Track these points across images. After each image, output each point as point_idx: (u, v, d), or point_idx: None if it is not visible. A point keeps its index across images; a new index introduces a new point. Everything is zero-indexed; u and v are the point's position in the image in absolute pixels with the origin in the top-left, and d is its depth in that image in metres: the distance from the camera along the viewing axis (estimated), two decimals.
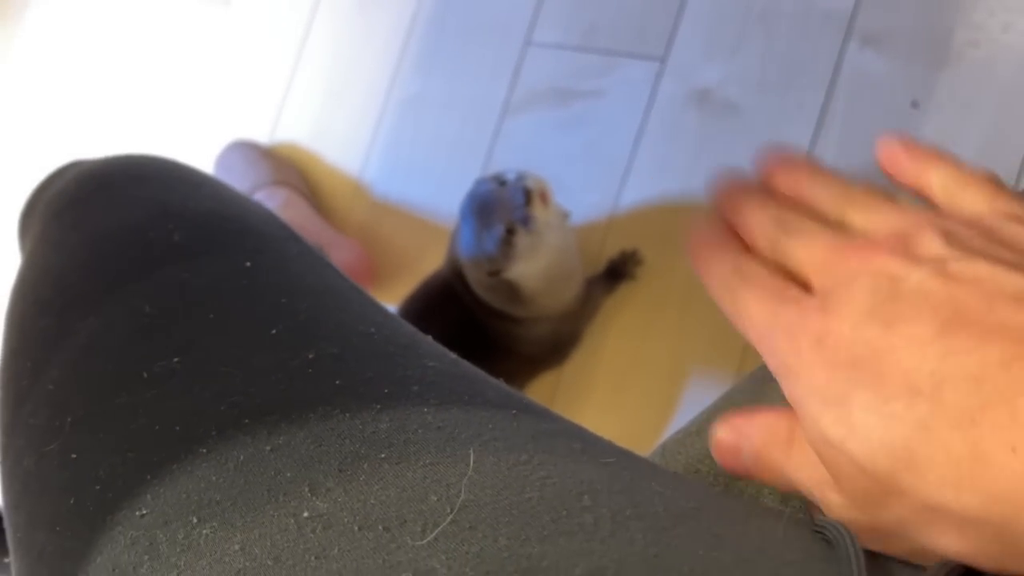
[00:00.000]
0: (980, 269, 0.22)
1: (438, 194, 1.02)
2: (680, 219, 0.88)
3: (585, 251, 0.88)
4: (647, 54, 0.93)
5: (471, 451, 0.24)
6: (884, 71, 0.81)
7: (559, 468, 0.24)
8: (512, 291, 0.76)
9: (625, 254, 0.88)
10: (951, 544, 0.21)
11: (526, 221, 0.72)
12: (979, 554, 0.21)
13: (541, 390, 0.90)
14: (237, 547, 0.23)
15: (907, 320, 0.22)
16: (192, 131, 1.22)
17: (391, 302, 0.89)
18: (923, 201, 0.27)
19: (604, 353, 0.88)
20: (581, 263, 0.83)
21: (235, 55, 1.22)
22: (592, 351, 0.89)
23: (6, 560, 0.29)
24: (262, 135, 1.16)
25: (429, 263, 0.88)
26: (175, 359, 0.28)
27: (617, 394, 0.87)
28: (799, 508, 0.30)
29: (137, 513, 0.25)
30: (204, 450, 0.25)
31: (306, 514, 0.23)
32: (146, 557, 0.23)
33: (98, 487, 0.26)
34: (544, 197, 0.74)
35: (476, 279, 0.77)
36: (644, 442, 0.81)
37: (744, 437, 0.26)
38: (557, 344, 0.88)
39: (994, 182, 0.26)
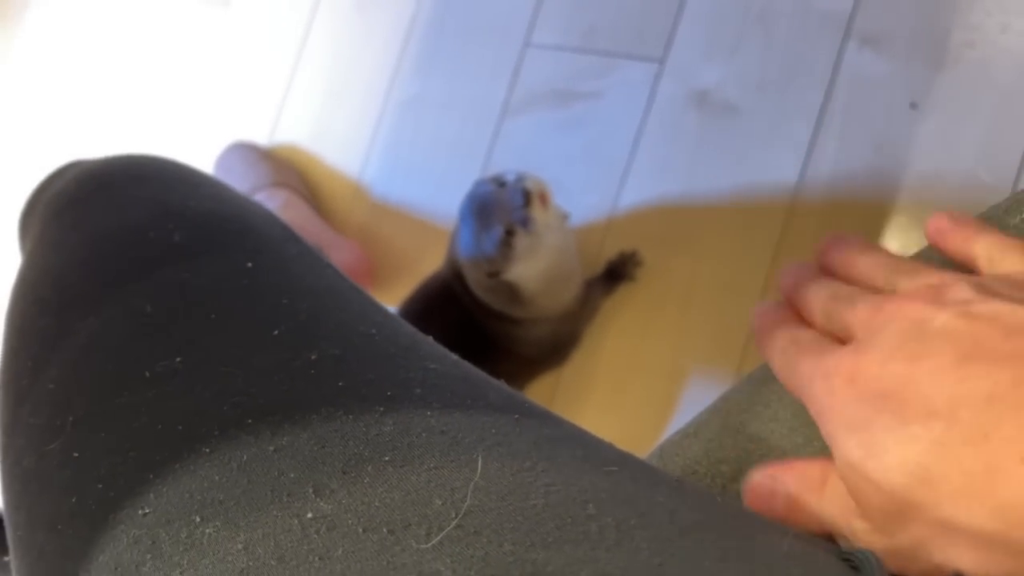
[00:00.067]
0: (1000, 307, 0.23)
1: (437, 195, 1.02)
2: (680, 220, 0.88)
3: (584, 252, 0.88)
4: (646, 55, 0.93)
5: (479, 457, 0.24)
6: (883, 72, 0.81)
7: (563, 476, 0.25)
8: (511, 292, 0.76)
9: (624, 255, 0.88)
10: (966, 561, 0.22)
11: (525, 222, 0.72)
12: (994, 570, 0.21)
13: (541, 391, 0.90)
14: (240, 546, 0.22)
15: (930, 355, 0.23)
16: (192, 132, 1.22)
17: (391, 303, 0.89)
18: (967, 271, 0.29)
19: (603, 354, 0.88)
20: (580, 264, 0.83)
21: (235, 56, 1.22)
22: (591, 352, 0.89)
23: (6, 559, 0.29)
24: (262, 136, 1.16)
25: (428, 264, 0.88)
26: (176, 359, 0.28)
27: (616, 395, 0.87)
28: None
29: (139, 512, 0.24)
30: (207, 449, 0.25)
31: (310, 515, 0.23)
32: (148, 556, 0.23)
33: (100, 486, 0.26)
34: (544, 198, 0.74)
35: (475, 280, 0.77)
36: (643, 443, 0.81)
37: (778, 482, 0.28)
38: (556, 345, 0.88)
39: None
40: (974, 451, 0.21)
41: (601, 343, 0.89)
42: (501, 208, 0.72)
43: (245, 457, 0.25)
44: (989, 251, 0.28)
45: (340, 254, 0.97)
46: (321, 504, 0.23)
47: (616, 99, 0.93)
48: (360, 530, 0.22)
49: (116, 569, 0.24)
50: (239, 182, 1.05)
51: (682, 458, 0.34)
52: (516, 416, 0.28)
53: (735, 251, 0.84)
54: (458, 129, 1.03)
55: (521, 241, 0.72)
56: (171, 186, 0.38)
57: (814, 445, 0.31)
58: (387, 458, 0.24)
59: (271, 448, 0.25)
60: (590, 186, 0.92)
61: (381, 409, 0.26)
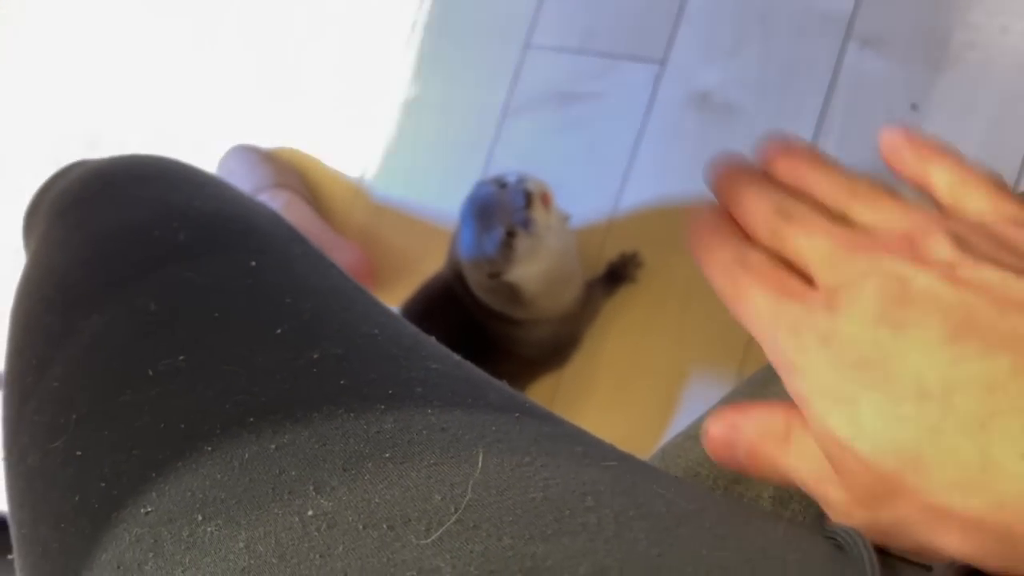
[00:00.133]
0: (989, 275, 0.22)
1: (438, 197, 1.02)
2: (680, 221, 0.88)
3: (585, 253, 0.88)
4: (647, 56, 0.93)
5: (479, 452, 0.25)
6: (883, 73, 0.81)
7: (562, 470, 0.25)
8: (512, 293, 0.77)
9: (625, 256, 0.88)
10: (954, 545, 0.21)
11: (526, 224, 0.72)
12: (981, 556, 0.21)
13: (541, 392, 0.90)
14: (242, 545, 0.23)
15: (916, 324, 0.22)
16: (192, 134, 1.22)
17: (392, 304, 0.89)
18: (926, 197, 0.27)
19: (604, 355, 0.89)
20: (581, 265, 0.83)
21: (235, 56, 1.22)
22: (592, 353, 0.89)
23: (9, 557, 0.29)
24: (263, 138, 1.16)
25: (429, 266, 0.88)
26: (179, 357, 0.28)
27: (617, 396, 0.87)
28: (798, 512, 0.31)
29: (142, 511, 0.25)
30: (209, 448, 0.25)
31: (311, 512, 0.23)
32: (151, 554, 0.23)
33: (103, 484, 0.26)
34: (545, 200, 0.74)
35: (476, 281, 0.78)
36: (645, 444, 0.82)
37: (738, 431, 0.26)
38: (557, 346, 0.88)
39: (997, 183, 0.26)
40: (970, 441, 0.20)
41: (602, 344, 0.89)
42: (502, 209, 0.73)
43: (247, 455, 0.25)
44: (951, 182, 0.26)
45: (341, 255, 0.97)
46: (322, 501, 0.23)
47: (617, 100, 0.94)
48: (360, 527, 0.22)
49: (118, 568, 0.24)
50: (241, 184, 1.05)
51: (684, 460, 0.35)
52: (517, 415, 0.28)
53: None
54: (459, 130, 1.03)
55: (522, 242, 0.72)
56: (175, 186, 0.39)
57: None
58: (387, 455, 0.24)
59: (272, 446, 0.25)
60: (591, 187, 0.93)
61: (382, 407, 0.26)
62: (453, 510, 0.22)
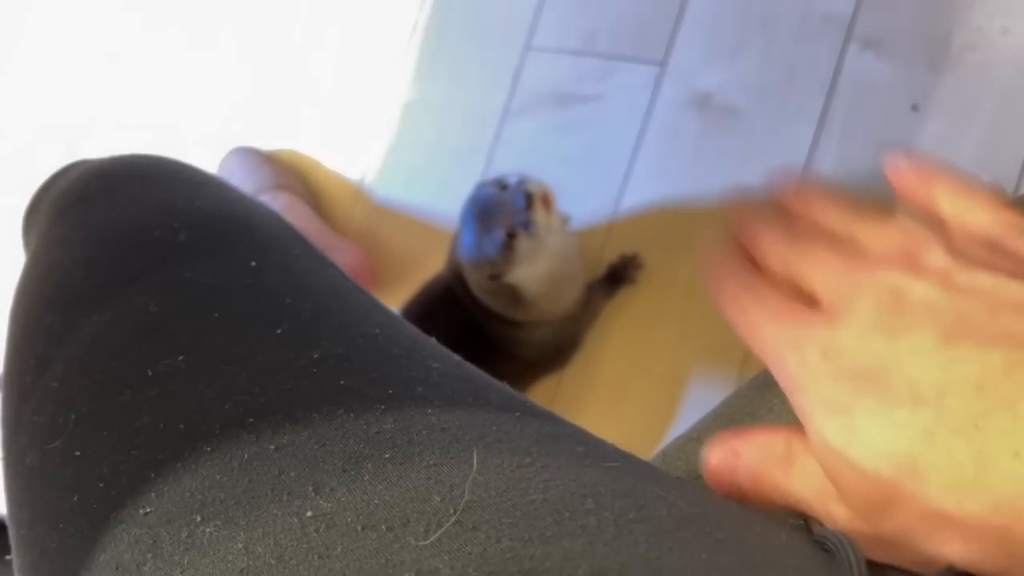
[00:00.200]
0: (983, 280, 0.22)
1: (439, 198, 1.02)
2: (681, 223, 0.88)
3: (585, 255, 0.88)
4: (647, 58, 0.93)
5: (475, 452, 0.24)
6: (884, 74, 0.81)
7: (562, 471, 0.24)
8: (513, 295, 0.76)
9: (625, 258, 0.88)
10: (955, 552, 0.21)
11: (527, 225, 0.72)
12: (983, 561, 0.21)
13: (542, 393, 0.90)
14: (240, 546, 0.22)
15: (911, 330, 0.22)
16: (192, 135, 1.22)
17: (392, 306, 0.89)
18: (929, 217, 0.28)
19: (605, 357, 0.88)
20: (581, 267, 0.83)
21: (235, 57, 1.22)
22: (593, 355, 0.89)
23: (8, 558, 0.29)
24: (263, 140, 1.16)
25: (430, 267, 0.88)
26: (179, 357, 0.28)
27: (618, 397, 0.87)
28: (799, 517, 0.31)
29: (140, 511, 0.24)
30: (208, 448, 0.25)
31: (309, 513, 0.23)
32: (149, 555, 0.23)
33: (101, 485, 0.26)
34: (546, 201, 0.74)
35: (477, 283, 0.77)
36: (645, 445, 0.81)
37: (739, 457, 0.26)
38: (558, 348, 0.88)
39: (997, 196, 0.26)
40: (965, 442, 0.20)
41: (602, 346, 0.89)
42: (503, 211, 0.73)
43: (246, 456, 0.25)
44: (955, 201, 0.26)
45: (342, 256, 0.97)
46: (321, 502, 0.23)
47: (617, 102, 0.94)
48: (359, 528, 0.22)
49: (117, 569, 0.24)
50: (242, 186, 1.05)
51: (685, 463, 0.34)
52: (517, 414, 0.28)
53: None
54: (459, 132, 1.03)
55: (523, 244, 0.72)
56: (176, 185, 0.38)
57: None
58: (387, 456, 0.24)
59: (272, 447, 0.25)
60: (591, 189, 0.93)
61: (382, 407, 0.26)
62: (452, 511, 0.22)
